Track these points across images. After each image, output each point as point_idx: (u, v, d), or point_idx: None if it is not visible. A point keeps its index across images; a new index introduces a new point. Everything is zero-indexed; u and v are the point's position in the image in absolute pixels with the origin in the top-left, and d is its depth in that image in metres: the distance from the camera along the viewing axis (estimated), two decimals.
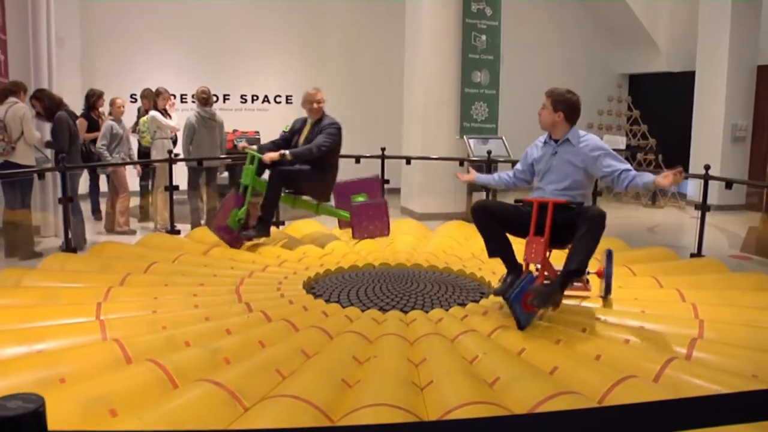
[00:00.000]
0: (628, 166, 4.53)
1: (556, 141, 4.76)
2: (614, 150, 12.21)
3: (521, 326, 4.12)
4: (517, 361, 3.60)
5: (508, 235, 4.73)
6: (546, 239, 4.29)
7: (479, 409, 2.91)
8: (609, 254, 4.89)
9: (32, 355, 3.61)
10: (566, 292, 4.49)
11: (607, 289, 4.86)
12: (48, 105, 7.43)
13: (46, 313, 4.31)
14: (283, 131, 7.30)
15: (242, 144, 7.11)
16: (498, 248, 4.72)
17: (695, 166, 10.91)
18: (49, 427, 2.58)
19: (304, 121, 7.02)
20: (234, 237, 6.63)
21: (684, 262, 6.47)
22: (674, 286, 5.11)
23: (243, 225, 6.62)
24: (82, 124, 8.29)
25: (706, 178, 7.16)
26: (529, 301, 4.08)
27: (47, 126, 7.64)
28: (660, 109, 13.19)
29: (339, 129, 6.84)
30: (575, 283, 4.83)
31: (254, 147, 7.28)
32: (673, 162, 12.13)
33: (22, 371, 3.36)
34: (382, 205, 7.40)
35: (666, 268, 5.81)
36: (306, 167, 6.68)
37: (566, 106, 4.73)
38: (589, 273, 4.90)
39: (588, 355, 3.70)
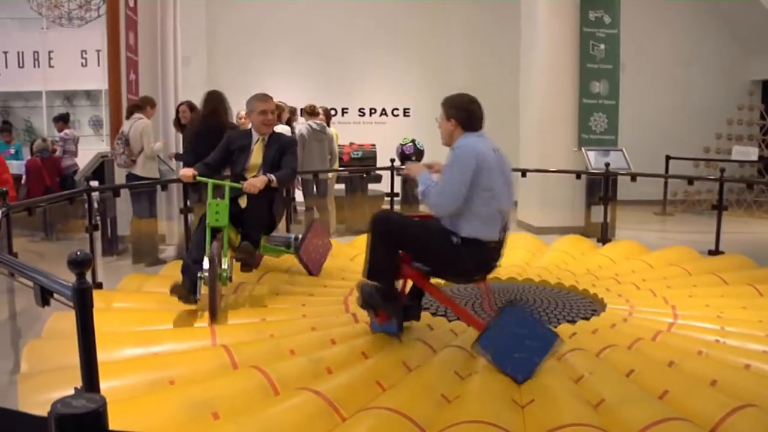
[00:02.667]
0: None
1: None
2: (745, 162, 11.46)
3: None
4: (625, 382, 3.43)
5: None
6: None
7: None
8: (505, 310, 3.82)
9: (147, 356, 3.79)
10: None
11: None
12: (192, 117, 7.85)
13: (163, 317, 4.52)
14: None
15: (187, 172, 5.06)
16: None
17: None
18: (152, 426, 2.66)
19: (245, 136, 5.47)
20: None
21: None
22: None
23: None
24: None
25: None
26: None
27: (180, 138, 8.12)
28: None
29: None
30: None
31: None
32: None
33: (137, 372, 3.54)
34: (313, 229, 6.17)
35: None
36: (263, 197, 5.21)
37: (458, 111, 4.12)
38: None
39: (703, 379, 3.47)
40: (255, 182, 5.01)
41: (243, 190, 5.04)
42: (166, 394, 3.24)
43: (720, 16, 12.81)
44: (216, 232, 4.86)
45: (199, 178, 5.02)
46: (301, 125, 8.85)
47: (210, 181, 4.98)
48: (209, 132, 6.64)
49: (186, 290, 4.60)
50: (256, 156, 5.35)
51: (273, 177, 5.12)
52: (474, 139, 4.07)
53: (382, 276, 4.08)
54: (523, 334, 3.60)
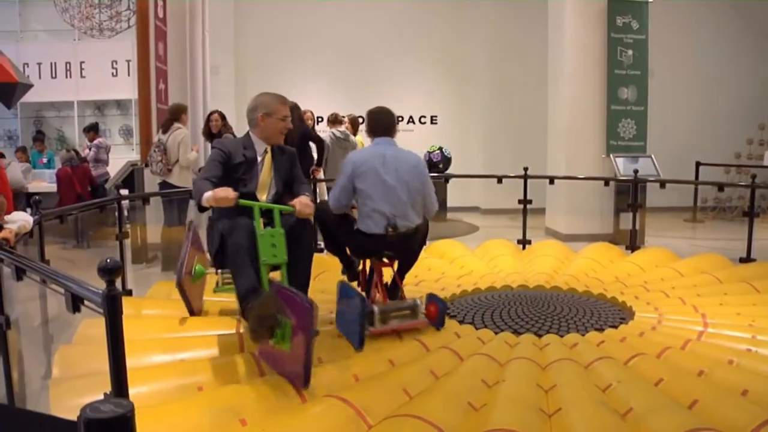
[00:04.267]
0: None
1: None
2: None
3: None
4: (654, 392, 3.39)
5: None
6: None
7: None
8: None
9: (175, 363, 3.83)
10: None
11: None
12: (224, 124, 8.13)
13: (191, 324, 4.56)
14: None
15: (229, 194, 3.81)
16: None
17: None
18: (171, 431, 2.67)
19: (243, 146, 4.29)
20: None
21: None
22: None
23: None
24: None
25: None
26: None
27: (209, 147, 8.21)
28: None
29: None
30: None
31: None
32: None
33: (166, 378, 3.57)
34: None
35: None
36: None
37: (367, 121, 4.82)
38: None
39: (734, 389, 3.41)
40: (308, 203, 4.12)
41: (296, 214, 4.05)
42: (194, 400, 3.27)
43: (750, 18, 12.65)
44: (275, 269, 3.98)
45: (242, 201, 3.89)
46: (324, 133, 8.90)
47: (256, 204, 3.98)
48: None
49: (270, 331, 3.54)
50: (266, 171, 4.28)
51: (310, 196, 4.30)
52: (369, 147, 4.83)
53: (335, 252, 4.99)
54: (344, 308, 4.44)
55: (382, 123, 4.73)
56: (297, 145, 7.02)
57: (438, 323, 4.59)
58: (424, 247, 5.24)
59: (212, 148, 4.36)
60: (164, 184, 7.62)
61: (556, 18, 9.91)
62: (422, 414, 3.04)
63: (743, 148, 12.39)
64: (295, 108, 7.47)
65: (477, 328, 4.79)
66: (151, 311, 4.94)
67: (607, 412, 3.09)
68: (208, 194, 3.84)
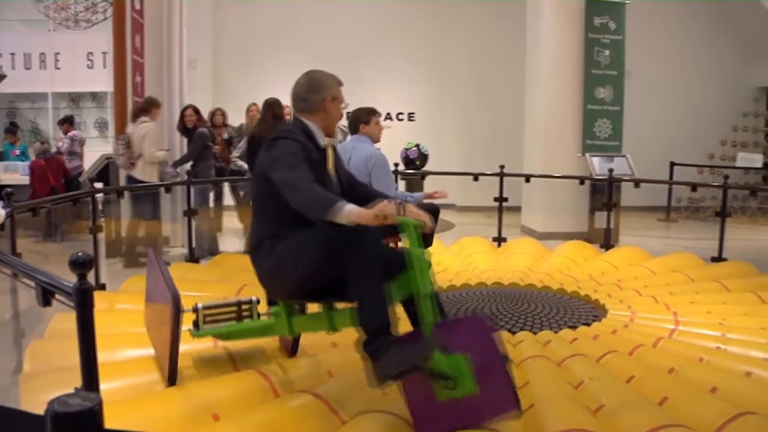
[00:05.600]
0: None
1: None
2: (750, 169, 11.44)
3: None
4: (625, 388, 3.43)
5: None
6: None
7: None
8: None
9: (148, 358, 3.80)
10: None
11: None
12: (198, 119, 8.05)
13: None
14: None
15: (389, 209, 2.79)
16: None
17: None
18: (152, 427, 2.67)
19: (305, 139, 3.29)
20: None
21: None
22: None
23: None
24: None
25: None
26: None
27: (184, 142, 8.17)
28: None
29: None
30: None
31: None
32: None
33: (138, 373, 3.57)
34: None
35: None
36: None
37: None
38: None
39: (703, 386, 3.46)
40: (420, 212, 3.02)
41: (425, 229, 3.04)
42: (166, 395, 3.26)
43: (725, 22, 12.81)
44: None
45: (400, 218, 2.89)
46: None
47: (411, 221, 2.94)
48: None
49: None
50: (330, 170, 3.44)
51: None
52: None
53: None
54: None
55: (352, 123, 5.37)
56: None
57: None
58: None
59: (283, 139, 3.21)
60: (130, 179, 7.51)
61: (534, 17, 9.96)
62: (396, 410, 3.05)
63: (717, 149, 12.55)
64: (277, 104, 7.46)
65: None
66: (125, 306, 4.91)
67: (579, 408, 3.12)
68: (351, 209, 2.86)
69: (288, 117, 8.13)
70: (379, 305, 2.92)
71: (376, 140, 5.43)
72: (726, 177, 7.61)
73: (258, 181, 3.34)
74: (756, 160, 11.65)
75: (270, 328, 3.66)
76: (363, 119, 5.32)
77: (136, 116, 7.53)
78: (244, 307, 3.78)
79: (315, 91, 3.37)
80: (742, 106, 12.92)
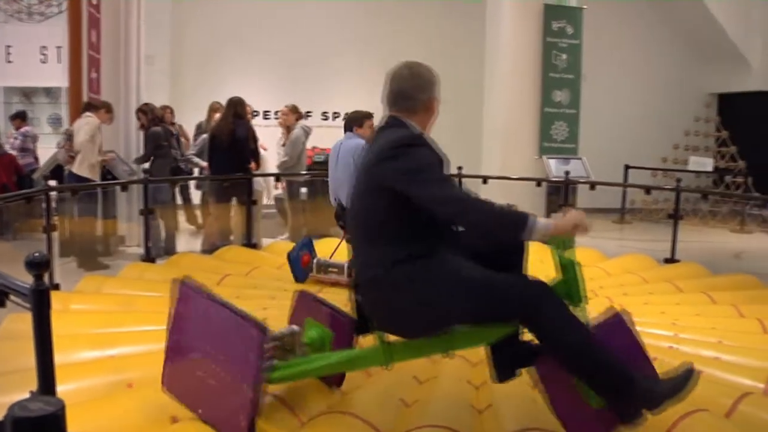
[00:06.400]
0: None
1: None
2: (701, 172, 11.65)
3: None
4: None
5: None
6: None
7: None
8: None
9: (104, 359, 3.74)
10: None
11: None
12: (150, 119, 7.90)
13: (121, 319, 4.47)
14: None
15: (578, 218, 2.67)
16: None
17: None
18: (109, 429, 2.62)
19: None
20: None
21: None
22: (756, 316, 4.84)
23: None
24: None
25: None
26: None
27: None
28: (751, 130, 12.61)
29: None
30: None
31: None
32: (764, 184, 11.67)
33: (94, 374, 3.50)
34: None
35: (749, 296, 5.52)
36: None
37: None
38: None
39: None
40: None
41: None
42: (123, 397, 3.21)
43: (679, 30, 13.11)
44: None
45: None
46: (299, 129, 8.88)
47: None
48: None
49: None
50: None
51: None
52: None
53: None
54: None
55: (347, 124, 6.11)
56: (245, 142, 7.55)
57: None
58: None
59: (415, 146, 2.80)
60: (70, 175, 7.30)
61: (494, 20, 10.05)
62: (354, 411, 3.07)
63: (670, 153, 12.84)
64: (240, 103, 7.48)
65: None
66: (80, 306, 4.82)
67: (536, 407, 3.16)
68: (548, 223, 2.67)
69: (249, 116, 8.10)
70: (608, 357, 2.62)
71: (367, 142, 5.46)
72: (678, 180, 7.77)
73: (374, 196, 2.78)
74: (707, 164, 11.93)
75: (361, 360, 3.14)
76: (357, 122, 5.97)
77: (84, 110, 7.36)
78: (286, 340, 3.16)
79: (423, 89, 3.04)
80: (695, 112, 13.26)
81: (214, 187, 7.97)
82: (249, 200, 7.83)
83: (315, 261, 6.00)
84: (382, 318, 2.85)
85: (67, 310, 4.70)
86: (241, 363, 2.75)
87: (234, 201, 7.86)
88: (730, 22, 12.13)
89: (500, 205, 2.72)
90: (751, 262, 8.07)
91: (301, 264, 6.05)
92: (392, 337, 2.94)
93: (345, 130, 6.13)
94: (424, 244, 2.75)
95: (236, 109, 7.47)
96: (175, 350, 3.04)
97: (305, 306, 3.59)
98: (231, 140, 7.43)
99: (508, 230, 2.67)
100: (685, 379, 2.66)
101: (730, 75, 12.88)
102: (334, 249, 6.27)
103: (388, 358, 2.92)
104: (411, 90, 3.00)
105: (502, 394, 3.34)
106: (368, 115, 6.02)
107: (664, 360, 3.99)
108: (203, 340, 2.93)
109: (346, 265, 5.59)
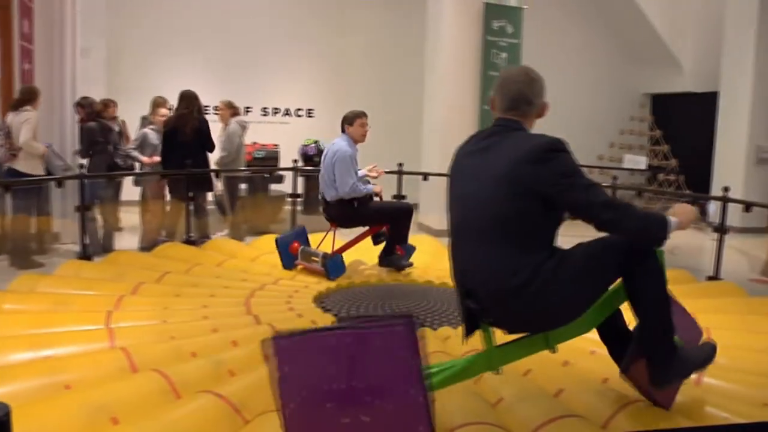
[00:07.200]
0: None
1: None
2: (636, 170, 11.99)
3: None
4: (522, 382, 3.57)
5: None
6: None
7: (480, 430, 2.91)
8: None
9: (39, 360, 3.65)
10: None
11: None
12: (88, 113, 7.70)
13: (57, 319, 4.36)
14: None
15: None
16: None
17: (718, 187, 10.77)
18: None
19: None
20: None
21: (701, 285, 6.40)
22: (688, 309, 5.01)
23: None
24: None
25: (725, 200, 7.06)
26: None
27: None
28: (683, 129, 13.07)
29: None
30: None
31: None
32: (695, 182, 12.09)
33: (29, 377, 3.40)
34: None
35: (681, 290, 5.69)
36: None
37: None
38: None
39: (595, 378, 3.65)
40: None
41: None
42: (61, 399, 3.13)
43: (614, 32, 13.46)
44: None
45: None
46: (234, 123, 8.79)
47: None
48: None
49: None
50: None
51: None
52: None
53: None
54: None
55: (342, 124, 6.23)
56: (209, 135, 7.68)
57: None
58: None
59: (564, 151, 2.88)
60: (11, 171, 7.02)
61: (434, 17, 10.11)
62: None
63: (606, 151, 13.18)
64: (195, 98, 7.44)
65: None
66: (13, 306, 4.67)
67: (479, 401, 3.23)
68: (676, 221, 2.82)
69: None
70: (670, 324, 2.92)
71: (357, 140, 6.19)
72: (615, 178, 7.97)
73: (524, 200, 2.73)
74: (641, 162, 12.27)
75: (469, 369, 3.02)
76: (348, 121, 6.16)
77: (17, 106, 7.10)
78: None
79: (540, 94, 3.04)
80: (630, 111, 13.65)
81: (173, 182, 7.86)
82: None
83: (301, 249, 6.41)
84: (521, 322, 2.95)
85: (0, 311, 4.56)
86: (394, 371, 2.40)
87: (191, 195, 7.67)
88: (663, 25, 12.50)
89: (641, 209, 2.84)
90: (683, 258, 8.34)
91: (289, 251, 6.43)
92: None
93: (341, 131, 6.30)
94: (551, 241, 2.90)
95: (198, 104, 7.55)
96: (299, 419, 2.49)
97: None
98: (196, 134, 7.41)
99: (656, 232, 2.75)
100: (710, 354, 3.08)
101: (664, 76, 13.28)
102: (320, 240, 6.58)
103: (493, 362, 3.05)
104: (531, 94, 3.00)
105: (446, 388, 3.38)
106: (360, 114, 6.18)
107: (601, 353, 4.10)
108: (332, 382, 2.43)
109: (321, 255, 6.18)
